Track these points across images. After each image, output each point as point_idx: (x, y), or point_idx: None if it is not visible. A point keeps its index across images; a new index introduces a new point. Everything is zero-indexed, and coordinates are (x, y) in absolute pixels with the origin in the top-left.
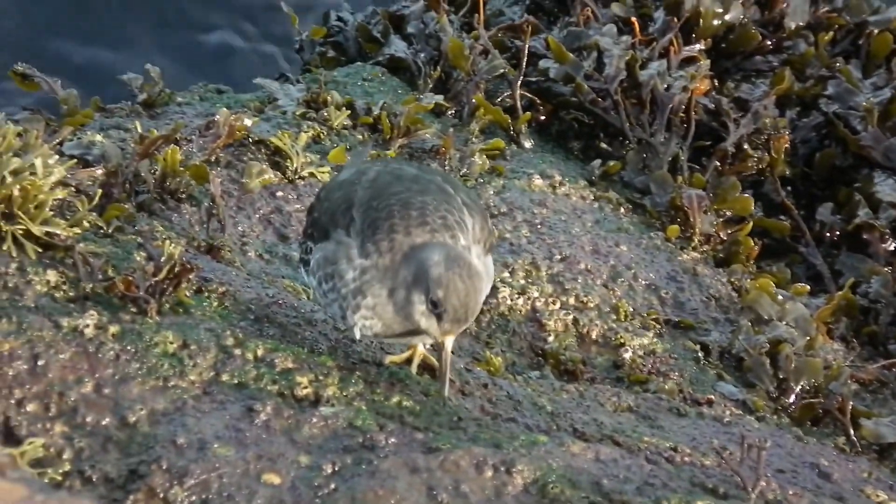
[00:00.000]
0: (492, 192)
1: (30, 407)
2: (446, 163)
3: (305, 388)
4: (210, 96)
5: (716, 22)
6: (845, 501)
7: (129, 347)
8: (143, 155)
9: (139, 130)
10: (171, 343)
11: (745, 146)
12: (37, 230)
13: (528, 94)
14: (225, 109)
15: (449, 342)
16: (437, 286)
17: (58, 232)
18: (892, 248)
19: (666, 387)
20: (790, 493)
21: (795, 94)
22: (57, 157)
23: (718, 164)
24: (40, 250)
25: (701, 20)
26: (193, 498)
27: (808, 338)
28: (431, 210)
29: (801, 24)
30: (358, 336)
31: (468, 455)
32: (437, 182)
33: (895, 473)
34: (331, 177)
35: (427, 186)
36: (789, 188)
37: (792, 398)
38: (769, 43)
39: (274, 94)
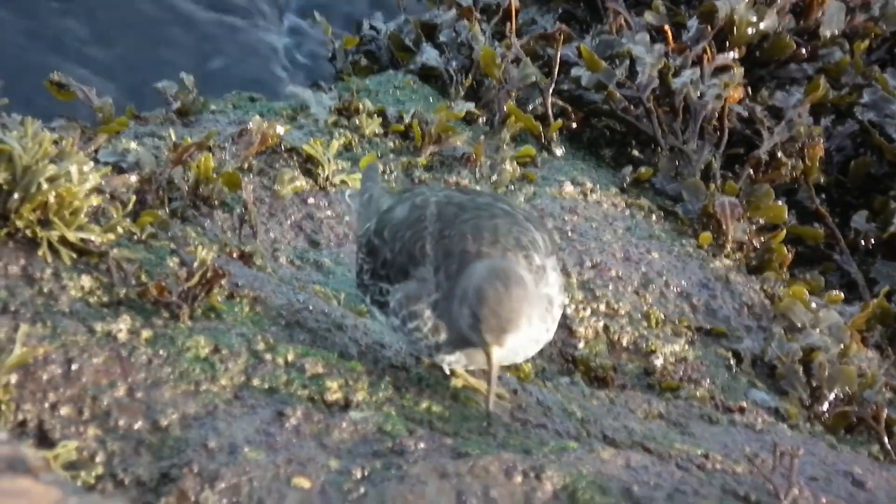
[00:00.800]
0: (522, 200)
1: (63, 410)
2: (477, 170)
3: (335, 392)
4: (243, 104)
5: (750, 31)
6: None
7: (161, 352)
8: (177, 162)
9: (173, 138)
10: (203, 348)
11: (779, 154)
12: (72, 236)
13: (560, 102)
14: (258, 117)
15: (495, 354)
16: (473, 297)
17: (92, 238)
18: None
19: (697, 394)
20: (823, 501)
21: (830, 103)
22: (92, 164)
23: (752, 171)
24: (75, 256)
25: (735, 28)
26: (224, 501)
27: (842, 345)
28: (504, 232)
29: (836, 32)
30: (448, 372)
31: (497, 461)
32: (500, 206)
33: None
34: (370, 211)
35: (493, 210)
36: (823, 196)
37: (825, 406)
38: (804, 51)
39: (306, 103)
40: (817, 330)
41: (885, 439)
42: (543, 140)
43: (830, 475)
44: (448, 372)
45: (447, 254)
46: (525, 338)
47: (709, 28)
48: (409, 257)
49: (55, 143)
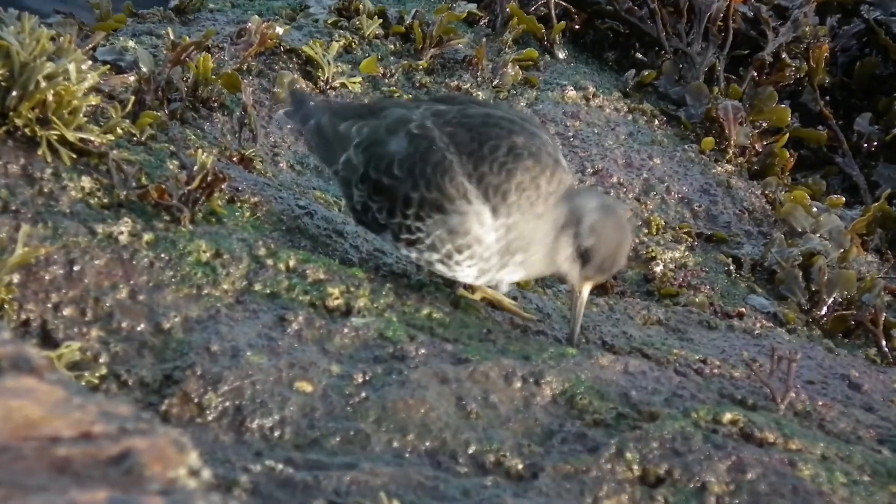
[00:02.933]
0: (524, 104)
1: (66, 311)
2: (479, 73)
3: (337, 298)
4: (242, 3)
5: None
6: (875, 412)
7: (162, 255)
8: (175, 62)
9: (171, 37)
10: (205, 252)
11: (784, 55)
12: (71, 136)
13: (563, 3)
14: (256, 17)
15: (586, 290)
16: (589, 233)
17: (91, 138)
18: None
19: (696, 300)
20: (820, 403)
21: (836, 1)
22: (90, 62)
23: (756, 74)
24: (74, 156)
25: None
26: (227, 404)
27: (842, 250)
28: (536, 150)
29: None
30: (505, 290)
31: (497, 366)
32: (502, 116)
33: None
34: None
35: (504, 125)
36: (827, 98)
37: (824, 310)
38: None
39: (305, 2)
40: (818, 234)
41: (883, 342)
42: (546, 42)
43: (827, 378)
44: (505, 290)
45: (499, 188)
46: None
47: None
48: (440, 192)
49: (52, 39)
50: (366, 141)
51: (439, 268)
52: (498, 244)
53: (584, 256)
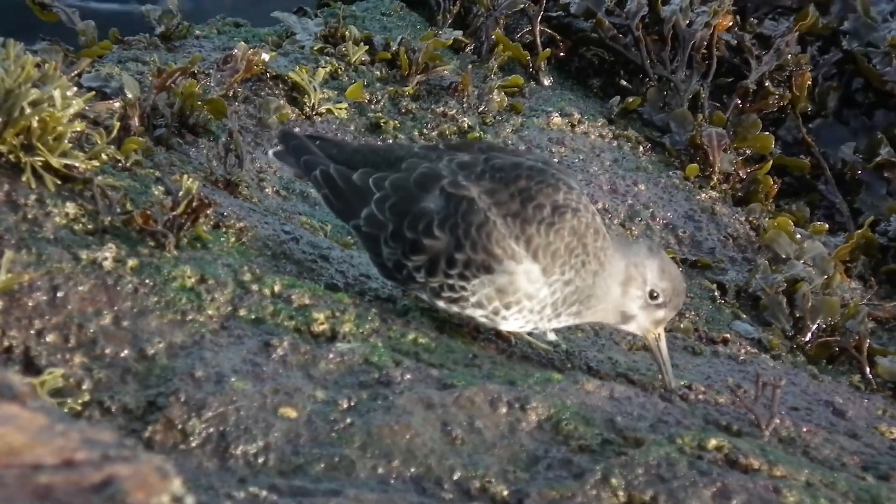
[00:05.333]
0: (510, 131)
1: (49, 337)
2: (464, 100)
3: (322, 324)
4: (228, 30)
5: None
6: (859, 438)
7: (147, 281)
8: (161, 88)
9: (157, 63)
10: (189, 278)
11: (767, 83)
12: (56, 162)
13: (549, 30)
14: (243, 43)
15: (662, 332)
16: (660, 278)
17: (76, 164)
18: None
19: (681, 325)
20: (804, 430)
21: (816, 31)
22: (75, 88)
23: (739, 101)
24: (59, 182)
25: None
26: (211, 430)
27: (826, 276)
28: (577, 206)
29: None
30: (551, 337)
31: (483, 392)
32: (533, 165)
33: None
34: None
35: (546, 179)
36: (810, 125)
37: (808, 336)
38: None
39: (292, 29)
40: (801, 261)
41: (867, 369)
42: (531, 69)
43: (812, 405)
44: (553, 339)
45: (550, 249)
46: None
47: None
48: (487, 253)
49: (37, 66)
50: (393, 197)
51: (482, 321)
52: (552, 297)
53: (656, 300)
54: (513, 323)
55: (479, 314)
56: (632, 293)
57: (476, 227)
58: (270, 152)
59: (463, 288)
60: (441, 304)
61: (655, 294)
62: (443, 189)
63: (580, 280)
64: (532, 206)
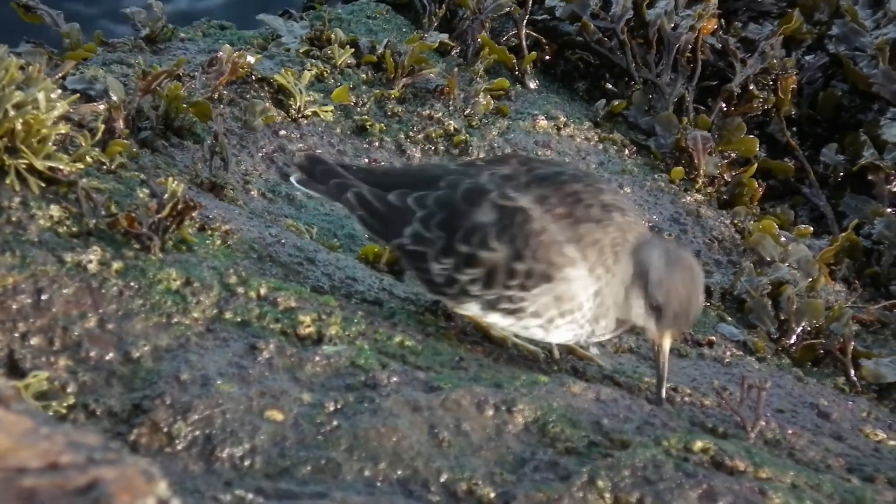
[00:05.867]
0: (496, 134)
1: (34, 340)
2: (451, 103)
3: (308, 326)
4: (213, 32)
5: None
6: (844, 440)
7: (132, 284)
8: (146, 91)
9: (142, 66)
10: (175, 280)
11: (752, 87)
12: (40, 164)
13: (534, 34)
14: (228, 46)
15: (667, 343)
16: (657, 288)
17: (61, 167)
18: None
19: None
20: (789, 432)
21: (801, 35)
22: (59, 91)
23: (724, 105)
24: (43, 185)
25: None
26: (197, 433)
27: (811, 279)
28: (620, 205)
29: None
30: (596, 352)
31: (469, 394)
32: (575, 173)
33: (894, 413)
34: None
35: (591, 185)
36: (794, 129)
37: (793, 339)
38: None
39: (277, 31)
40: (786, 264)
41: (851, 371)
42: (517, 73)
43: (797, 407)
44: (596, 353)
45: (597, 247)
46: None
47: None
48: (548, 262)
49: (21, 68)
50: (440, 213)
51: (536, 332)
52: (590, 312)
53: (657, 310)
54: (564, 333)
55: (534, 324)
56: (633, 298)
57: (535, 237)
58: (294, 179)
59: (522, 299)
60: (496, 315)
61: (655, 305)
62: (492, 202)
63: (608, 287)
64: (582, 207)
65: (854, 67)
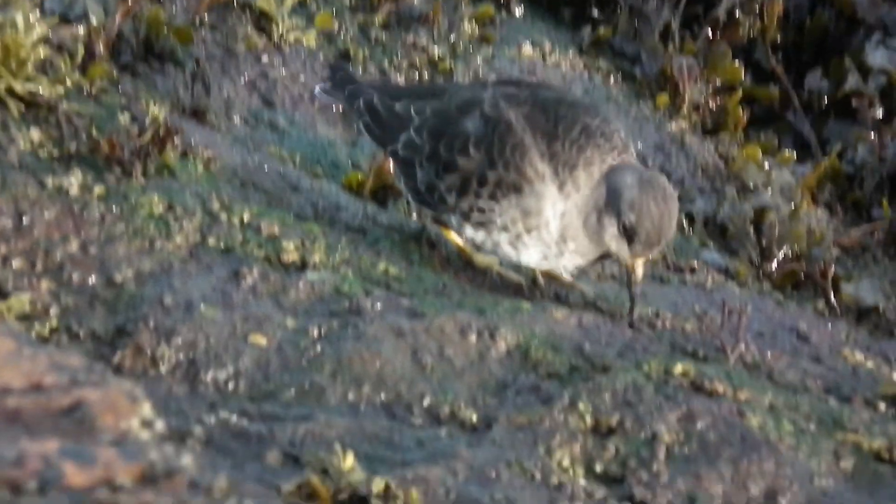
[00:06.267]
0: (481, 61)
1: (15, 263)
2: (435, 30)
3: (291, 253)
4: None
5: None
6: (822, 362)
7: (114, 208)
8: (126, 14)
9: None
10: (157, 206)
11: (738, 13)
12: (20, 87)
13: None
14: None
15: (640, 267)
16: (629, 210)
17: (40, 90)
18: (880, 114)
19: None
20: (769, 355)
21: None
22: (38, 12)
23: (710, 31)
24: (23, 108)
25: None
26: (181, 356)
27: (793, 205)
28: (609, 133)
29: None
30: (568, 278)
31: (452, 320)
32: (574, 99)
33: (872, 335)
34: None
35: (579, 106)
36: (780, 55)
37: (774, 264)
38: None
39: None
40: (769, 190)
41: (831, 295)
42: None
43: (776, 330)
44: (569, 279)
45: (569, 165)
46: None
47: None
48: (518, 173)
49: None
50: (431, 120)
51: (506, 249)
52: (556, 232)
53: (628, 234)
54: (532, 252)
55: (504, 239)
56: (606, 223)
57: (511, 147)
58: (317, 88)
59: (492, 210)
60: (469, 229)
61: (626, 227)
62: (482, 112)
63: (575, 208)
64: (563, 126)
65: None
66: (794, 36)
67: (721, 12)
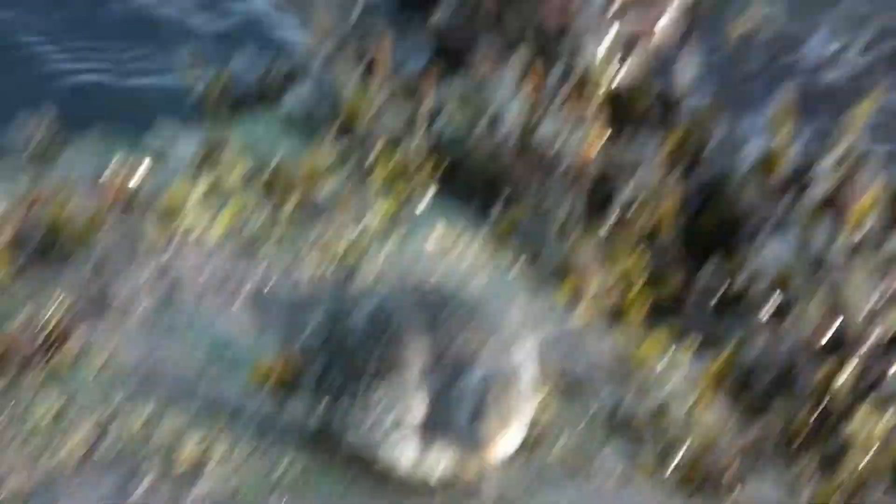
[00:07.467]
0: (392, 247)
1: None
2: (343, 220)
3: (188, 456)
4: (103, 142)
5: (610, 81)
6: None
7: (4, 411)
8: (29, 207)
9: (28, 178)
10: (51, 408)
11: (637, 204)
12: None
13: (429, 150)
14: (116, 160)
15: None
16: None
17: None
18: (773, 308)
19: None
20: None
21: (686, 153)
22: None
23: (612, 222)
24: None
25: (595, 78)
26: None
27: (694, 398)
28: None
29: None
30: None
31: None
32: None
33: None
34: None
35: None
36: (679, 245)
37: (676, 461)
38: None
39: (167, 146)
40: (670, 383)
41: (734, 493)
42: (412, 187)
43: None
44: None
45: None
46: None
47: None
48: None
49: None
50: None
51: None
52: None
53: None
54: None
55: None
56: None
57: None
58: None
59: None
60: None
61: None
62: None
63: None
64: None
65: (725, 190)
66: (693, 226)
67: (621, 203)
